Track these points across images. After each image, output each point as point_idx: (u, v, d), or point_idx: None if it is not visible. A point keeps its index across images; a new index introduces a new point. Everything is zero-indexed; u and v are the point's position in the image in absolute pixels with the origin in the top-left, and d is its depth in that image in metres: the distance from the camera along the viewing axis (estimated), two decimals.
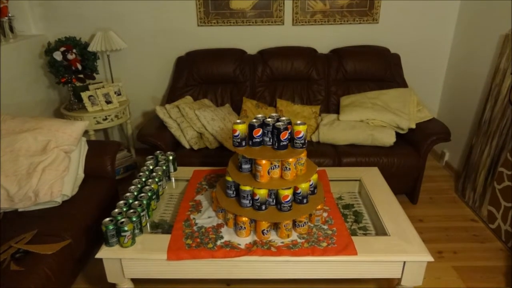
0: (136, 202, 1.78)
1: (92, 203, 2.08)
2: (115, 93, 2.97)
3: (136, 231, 1.70)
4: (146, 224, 1.85)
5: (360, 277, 1.70)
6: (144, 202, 1.80)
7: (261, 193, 1.69)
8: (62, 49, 2.74)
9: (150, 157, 2.25)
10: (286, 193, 1.69)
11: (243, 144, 1.74)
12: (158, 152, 2.29)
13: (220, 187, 1.90)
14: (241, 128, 1.71)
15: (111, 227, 1.63)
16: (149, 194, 1.89)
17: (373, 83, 3.05)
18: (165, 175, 2.17)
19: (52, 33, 3.10)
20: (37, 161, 1.98)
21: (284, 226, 1.69)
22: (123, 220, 1.64)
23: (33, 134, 2.06)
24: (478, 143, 2.71)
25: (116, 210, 1.72)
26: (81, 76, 2.88)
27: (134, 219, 1.68)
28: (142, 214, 1.74)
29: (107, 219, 1.65)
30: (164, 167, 2.15)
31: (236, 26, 3.13)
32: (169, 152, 2.29)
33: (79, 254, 1.92)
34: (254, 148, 1.72)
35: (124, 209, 1.74)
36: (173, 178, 2.27)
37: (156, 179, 2.01)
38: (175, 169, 2.30)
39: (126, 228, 1.62)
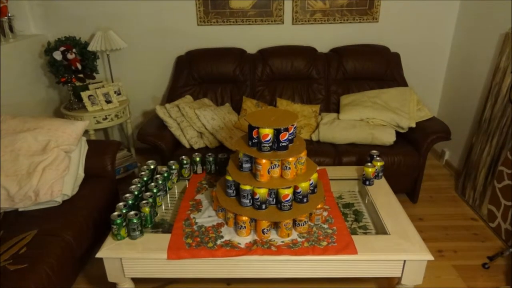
0: (152, 184, 1.97)
1: (92, 203, 2.08)
2: (115, 92, 2.97)
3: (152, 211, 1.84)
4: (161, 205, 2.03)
5: (360, 276, 1.70)
6: (160, 182, 2.00)
7: (261, 192, 1.69)
8: (62, 48, 2.74)
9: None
10: (286, 192, 1.69)
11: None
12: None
13: (220, 187, 1.90)
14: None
15: (135, 220, 1.66)
16: (160, 181, 2.01)
17: (373, 82, 3.05)
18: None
19: (51, 33, 3.10)
20: (37, 161, 1.98)
21: (284, 225, 1.69)
22: (144, 201, 1.81)
23: (33, 134, 2.06)
24: (478, 142, 2.71)
25: (127, 195, 1.87)
26: (81, 75, 2.88)
27: (150, 200, 1.82)
28: (158, 194, 1.95)
29: (132, 212, 1.70)
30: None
31: (236, 25, 3.13)
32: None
33: (80, 254, 1.92)
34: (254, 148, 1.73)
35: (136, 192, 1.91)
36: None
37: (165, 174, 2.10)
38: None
39: (145, 209, 1.77)
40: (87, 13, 3.06)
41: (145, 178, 2.06)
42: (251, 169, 1.77)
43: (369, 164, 2.14)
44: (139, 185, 1.96)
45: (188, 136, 2.64)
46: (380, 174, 2.18)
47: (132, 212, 1.69)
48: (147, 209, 1.77)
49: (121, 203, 1.79)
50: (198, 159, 2.24)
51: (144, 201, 1.80)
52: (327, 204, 1.94)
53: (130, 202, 1.82)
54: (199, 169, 2.25)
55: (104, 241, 1.70)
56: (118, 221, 1.65)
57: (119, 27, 3.10)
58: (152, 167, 2.17)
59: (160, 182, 2.01)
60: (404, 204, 2.04)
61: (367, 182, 2.13)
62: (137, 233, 1.69)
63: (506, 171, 2.38)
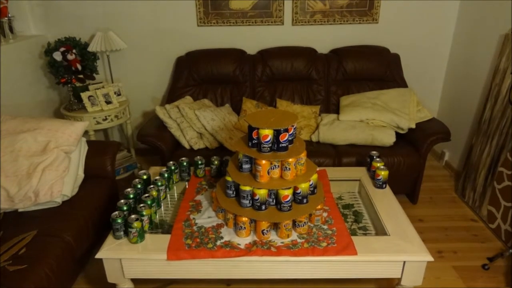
0: (158, 177, 2.04)
1: (92, 203, 2.08)
2: (115, 93, 2.97)
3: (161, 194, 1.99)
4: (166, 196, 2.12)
5: (360, 277, 1.70)
6: (173, 168, 2.16)
7: (261, 193, 1.69)
8: (62, 49, 2.74)
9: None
10: (286, 193, 1.69)
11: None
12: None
13: (220, 187, 1.90)
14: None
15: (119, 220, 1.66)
16: (173, 167, 2.16)
17: (372, 83, 3.06)
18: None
19: (52, 34, 3.10)
20: (37, 162, 1.98)
21: (284, 226, 1.69)
22: (152, 186, 1.94)
23: (33, 135, 2.06)
24: (478, 143, 2.71)
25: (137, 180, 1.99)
26: (81, 76, 2.88)
27: (159, 184, 1.99)
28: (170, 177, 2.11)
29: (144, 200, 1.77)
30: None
31: (235, 26, 3.13)
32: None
33: (79, 254, 1.92)
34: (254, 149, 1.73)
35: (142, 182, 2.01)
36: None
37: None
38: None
39: (159, 188, 1.95)
40: (87, 13, 3.06)
41: (131, 195, 1.90)
42: (251, 170, 1.77)
43: (381, 167, 2.11)
44: (128, 197, 1.89)
45: (188, 136, 2.65)
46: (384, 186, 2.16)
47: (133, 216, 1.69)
48: (149, 211, 1.75)
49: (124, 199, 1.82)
50: (216, 162, 2.21)
51: (142, 205, 1.76)
52: (327, 205, 1.94)
53: (119, 221, 1.72)
54: (213, 171, 2.23)
55: (104, 241, 1.70)
56: (135, 225, 1.64)
57: (119, 28, 3.10)
58: (145, 177, 2.07)
59: (173, 168, 2.16)
60: (404, 205, 2.04)
61: (384, 186, 2.12)
62: (121, 233, 1.69)
63: (506, 172, 2.38)
